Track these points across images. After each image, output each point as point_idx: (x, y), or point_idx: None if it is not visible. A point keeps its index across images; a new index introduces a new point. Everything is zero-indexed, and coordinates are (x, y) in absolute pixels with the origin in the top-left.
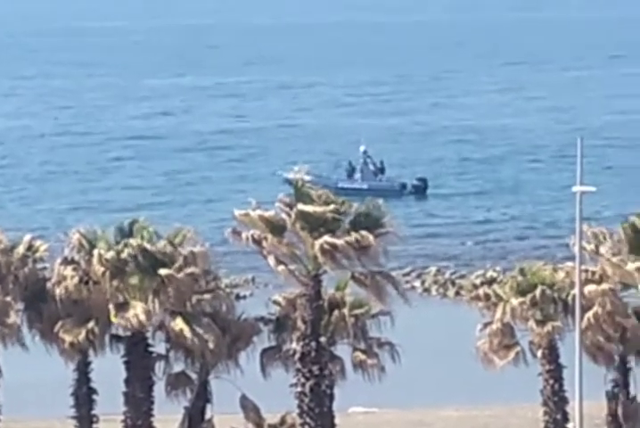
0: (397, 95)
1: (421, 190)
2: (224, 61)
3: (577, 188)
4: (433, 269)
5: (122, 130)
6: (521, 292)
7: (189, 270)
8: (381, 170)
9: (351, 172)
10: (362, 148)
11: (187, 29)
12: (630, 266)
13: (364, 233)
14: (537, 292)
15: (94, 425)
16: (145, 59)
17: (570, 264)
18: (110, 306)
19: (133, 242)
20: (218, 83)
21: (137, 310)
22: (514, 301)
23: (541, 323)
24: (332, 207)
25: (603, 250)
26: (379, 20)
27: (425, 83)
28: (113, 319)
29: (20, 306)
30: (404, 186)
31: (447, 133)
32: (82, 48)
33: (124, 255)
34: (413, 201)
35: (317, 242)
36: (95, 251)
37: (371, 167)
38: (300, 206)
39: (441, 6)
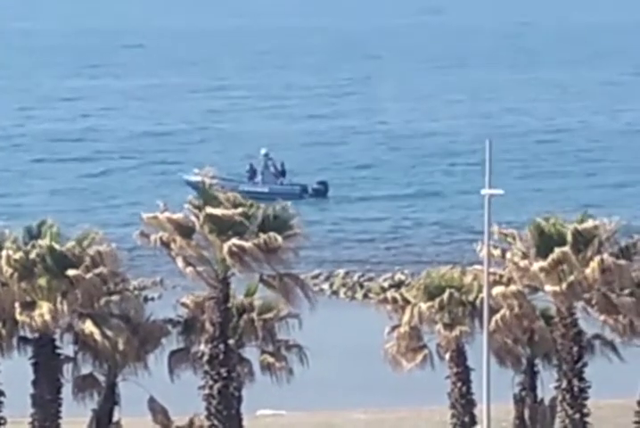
0: (315, 99)
1: (321, 193)
2: (139, 63)
3: (485, 191)
4: (342, 272)
5: (37, 132)
6: (429, 294)
7: (97, 270)
8: (282, 173)
9: (253, 175)
10: (263, 151)
11: (103, 32)
12: (536, 265)
13: (272, 234)
14: (445, 295)
15: None
16: (60, 61)
17: (477, 267)
18: (17, 304)
19: (41, 242)
20: (134, 85)
21: (43, 310)
22: (423, 305)
23: (449, 326)
24: (240, 210)
25: (510, 254)
26: (298, 25)
27: (343, 87)
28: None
29: None
30: (304, 190)
31: (364, 137)
32: None
33: (32, 256)
34: (315, 204)
35: (225, 245)
36: (3, 253)
37: (272, 170)
38: (209, 209)
39: (356, 11)
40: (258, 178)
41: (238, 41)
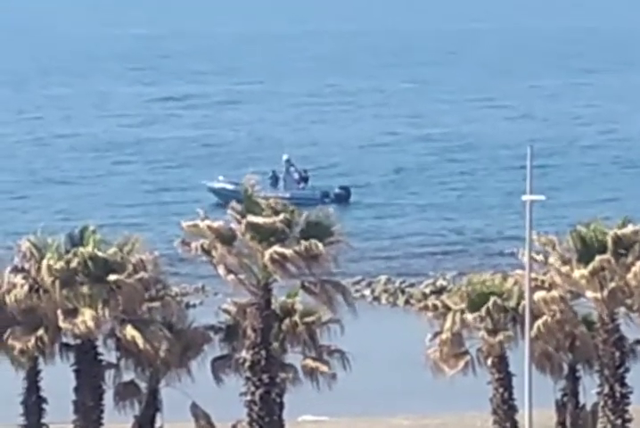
0: (355, 104)
1: (343, 199)
2: (190, 70)
3: (526, 197)
4: (383, 278)
5: (83, 140)
6: (472, 303)
7: (139, 276)
8: (305, 179)
9: (275, 182)
10: (285, 157)
11: (142, 38)
12: (577, 273)
13: (313, 242)
14: (490, 303)
15: None
16: (103, 68)
17: (519, 272)
18: (59, 311)
19: (83, 250)
20: (184, 92)
21: (86, 317)
22: (469, 316)
23: (492, 332)
24: (281, 217)
25: (552, 260)
26: (351, 29)
27: (395, 92)
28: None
29: None
30: (326, 195)
31: (414, 143)
32: (49, 54)
33: (73, 265)
34: (344, 211)
35: (267, 252)
36: (44, 262)
37: (295, 175)
38: (250, 217)
39: (397, 15)
40: (280, 184)
41: (291, 46)
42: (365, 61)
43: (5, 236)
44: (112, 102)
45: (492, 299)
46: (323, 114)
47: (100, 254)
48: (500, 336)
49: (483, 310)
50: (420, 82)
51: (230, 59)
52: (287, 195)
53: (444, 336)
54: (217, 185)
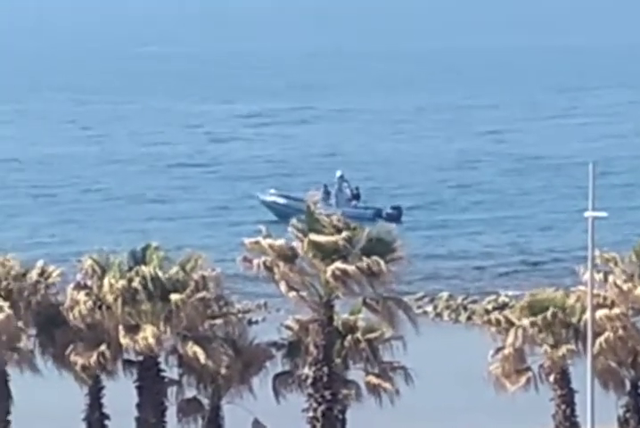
0: (424, 122)
1: (395, 218)
2: (262, 87)
3: (589, 213)
4: (445, 294)
5: (150, 158)
6: (533, 314)
7: (200, 295)
8: (357, 196)
9: (326, 197)
10: (338, 173)
11: (213, 56)
12: (639, 289)
13: (375, 258)
14: (549, 313)
15: None
16: (184, 85)
17: (581, 288)
18: (120, 327)
19: (145, 269)
20: (255, 110)
21: (147, 333)
22: (526, 321)
23: (554, 347)
24: (343, 235)
25: (612, 277)
26: (413, 48)
27: (463, 109)
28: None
29: (33, 331)
30: (378, 214)
31: (485, 160)
32: (121, 72)
33: (135, 284)
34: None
35: (329, 269)
36: (105, 281)
37: (347, 192)
38: (312, 236)
39: (458, 32)
40: (332, 201)
41: (363, 64)
42: (437, 78)
43: (72, 255)
44: (180, 120)
45: (552, 309)
46: (394, 133)
47: (161, 275)
48: (563, 349)
49: (540, 319)
50: (485, 98)
51: (301, 76)
52: (338, 213)
53: (506, 352)
54: (268, 199)
